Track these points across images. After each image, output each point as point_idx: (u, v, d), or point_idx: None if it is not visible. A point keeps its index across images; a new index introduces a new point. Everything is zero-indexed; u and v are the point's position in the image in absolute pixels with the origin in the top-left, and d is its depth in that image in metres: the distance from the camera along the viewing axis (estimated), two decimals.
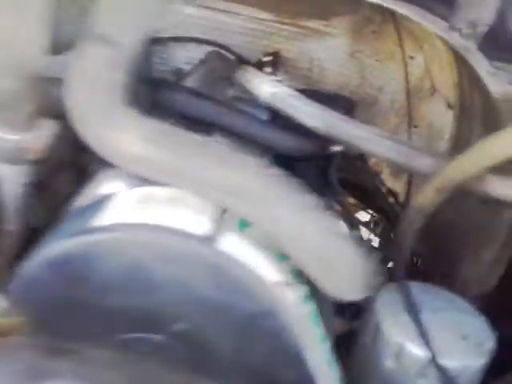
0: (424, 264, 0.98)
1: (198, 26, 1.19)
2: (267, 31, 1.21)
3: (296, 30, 1.20)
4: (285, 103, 0.57)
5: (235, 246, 0.35)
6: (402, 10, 0.53)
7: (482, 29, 0.49)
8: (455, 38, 0.51)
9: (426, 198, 0.49)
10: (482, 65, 0.51)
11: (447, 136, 0.91)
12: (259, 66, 1.11)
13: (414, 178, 1.09)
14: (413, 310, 0.55)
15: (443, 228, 0.90)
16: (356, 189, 1.43)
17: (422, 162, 0.49)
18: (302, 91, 0.88)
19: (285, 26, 1.18)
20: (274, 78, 0.61)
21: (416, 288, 0.62)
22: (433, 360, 0.51)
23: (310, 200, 0.33)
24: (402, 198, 1.15)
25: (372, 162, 1.32)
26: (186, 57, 1.22)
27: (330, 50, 1.24)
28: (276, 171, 0.33)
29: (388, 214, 1.17)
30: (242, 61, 1.13)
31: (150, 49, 1.08)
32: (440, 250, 0.91)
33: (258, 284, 0.35)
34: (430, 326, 0.55)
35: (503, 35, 0.53)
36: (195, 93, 0.61)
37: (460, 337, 0.55)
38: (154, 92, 0.57)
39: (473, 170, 0.44)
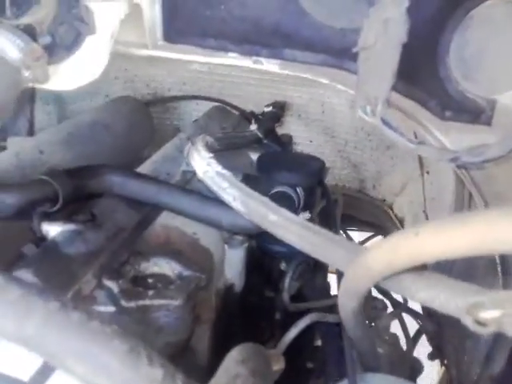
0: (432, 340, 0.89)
1: (204, 80, 1.21)
2: (273, 80, 1.20)
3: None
4: (213, 182, 0.55)
5: None
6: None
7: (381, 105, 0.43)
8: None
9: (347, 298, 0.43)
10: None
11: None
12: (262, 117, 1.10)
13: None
14: None
15: None
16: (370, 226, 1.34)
17: (336, 255, 0.43)
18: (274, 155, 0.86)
19: (289, 73, 1.16)
20: (211, 156, 0.59)
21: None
22: None
23: (118, 346, 0.30)
24: None
25: (396, 207, 1.24)
26: (195, 110, 1.25)
27: (340, 92, 1.19)
28: (77, 316, 0.30)
29: None
30: (243, 114, 1.12)
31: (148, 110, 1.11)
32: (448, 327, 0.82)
33: None
34: None
35: None
36: (132, 174, 0.61)
37: None
38: (88, 180, 0.58)
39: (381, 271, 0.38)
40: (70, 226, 0.56)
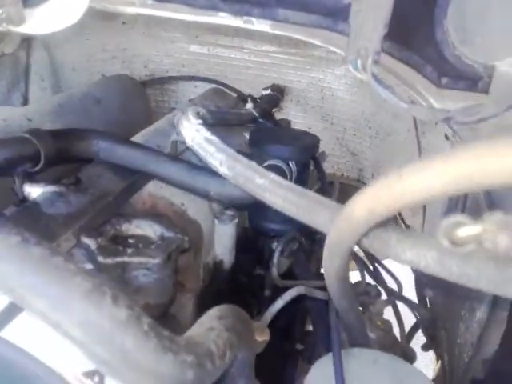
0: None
1: (203, 62, 1.19)
2: (273, 63, 1.18)
3: (302, 59, 1.15)
4: (201, 148, 0.53)
5: (27, 336, 0.31)
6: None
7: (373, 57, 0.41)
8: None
9: (329, 262, 0.41)
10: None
11: None
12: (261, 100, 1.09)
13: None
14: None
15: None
16: None
17: (323, 216, 0.41)
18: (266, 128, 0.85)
19: (289, 57, 1.14)
20: (200, 122, 0.57)
21: (361, 359, 0.53)
22: None
23: (79, 284, 0.28)
24: None
25: None
26: (193, 93, 1.23)
27: (340, 78, 1.17)
28: (38, 251, 0.29)
29: None
30: (241, 97, 1.11)
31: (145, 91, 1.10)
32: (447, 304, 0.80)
33: (51, 378, 0.31)
34: None
35: None
36: (119, 140, 0.59)
37: None
38: (73, 143, 0.56)
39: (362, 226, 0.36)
40: (53, 188, 0.54)
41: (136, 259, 0.43)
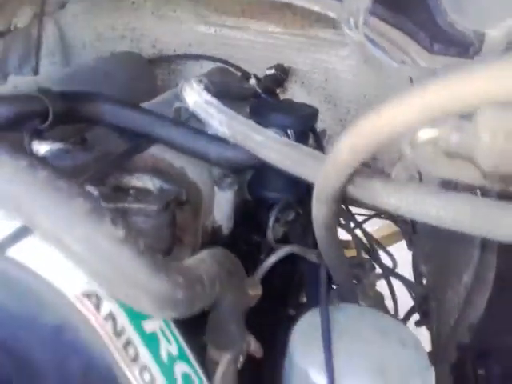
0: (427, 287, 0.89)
1: (209, 43, 1.22)
2: (278, 44, 1.20)
3: (306, 40, 1.17)
4: (202, 110, 0.56)
5: (31, 256, 0.34)
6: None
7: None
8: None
9: (318, 210, 0.44)
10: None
11: None
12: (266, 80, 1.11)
13: None
14: (325, 336, 0.49)
15: (444, 248, 0.82)
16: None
17: (313, 168, 0.43)
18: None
19: (295, 38, 1.16)
20: (202, 87, 0.60)
21: (348, 312, 0.56)
22: None
23: (81, 205, 0.31)
24: None
25: (393, 176, 1.24)
26: (199, 72, 1.25)
27: (344, 59, 1.19)
28: (44, 174, 0.31)
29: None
30: (245, 76, 1.13)
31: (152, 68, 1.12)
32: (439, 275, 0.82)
33: (53, 295, 0.34)
34: (345, 356, 0.48)
35: None
36: (125, 104, 0.62)
37: (377, 370, 0.48)
38: (81, 104, 0.59)
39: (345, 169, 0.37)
40: (60, 145, 0.57)
41: (135, 205, 0.46)
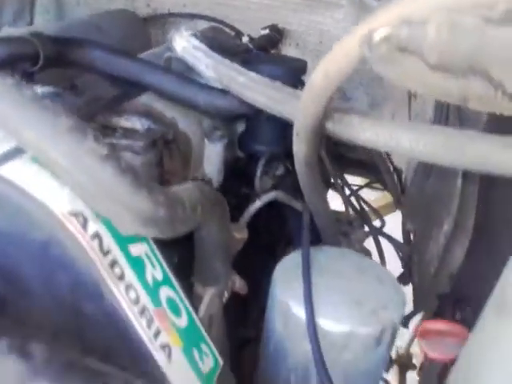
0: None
1: (204, 3, 1.21)
2: (273, 5, 1.20)
3: (302, 1, 1.16)
4: (190, 55, 0.57)
5: (20, 175, 0.36)
6: None
7: None
8: None
9: (299, 146, 0.45)
10: None
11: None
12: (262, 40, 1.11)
13: None
14: (305, 271, 0.52)
15: (428, 203, 0.84)
16: (357, 166, 1.36)
17: (295, 106, 0.44)
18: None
19: None
20: (190, 34, 0.60)
21: (329, 253, 0.58)
22: (312, 321, 0.47)
23: (65, 121, 0.33)
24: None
25: None
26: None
27: (339, 21, 1.19)
28: (30, 92, 0.33)
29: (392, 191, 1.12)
30: (239, 34, 1.13)
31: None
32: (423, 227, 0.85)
33: (41, 212, 0.36)
34: (324, 290, 0.51)
35: None
36: (115, 51, 0.62)
37: (354, 302, 0.50)
38: (72, 49, 0.60)
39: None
40: (50, 89, 0.58)
41: (123, 141, 0.47)
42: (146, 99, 0.65)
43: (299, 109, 0.41)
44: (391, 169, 1.14)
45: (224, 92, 0.63)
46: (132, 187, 0.33)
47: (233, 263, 0.59)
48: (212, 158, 0.75)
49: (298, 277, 0.52)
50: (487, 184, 0.63)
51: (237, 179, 0.84)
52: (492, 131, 0.37)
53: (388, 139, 0.40)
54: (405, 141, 0.39)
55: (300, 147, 0.44)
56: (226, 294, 0.56)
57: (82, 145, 0.32)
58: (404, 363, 1.33)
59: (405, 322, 0.92)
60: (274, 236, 0.81)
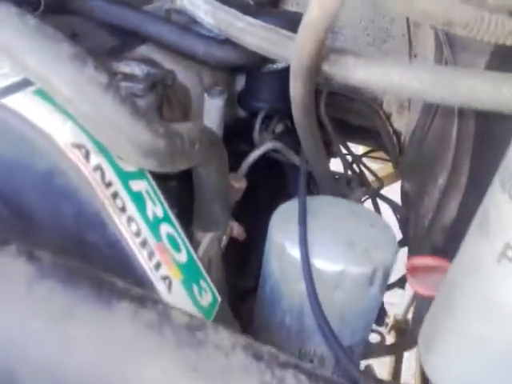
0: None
1: None
2: None
3: None
4: (189, 2, 0.57)
5: (25, 106, 0.37)
6: None
7: None
8: None
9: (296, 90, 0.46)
10: None
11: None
12: None
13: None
14: (301, 215, 0.53)
15: (424, 162, 0.85)
16: (359, 132, 1.36)
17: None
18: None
19: None
20: None
21: (325, 200, 0.60)
22: (307, 261, 0.49)
23: (66, 49, 0.33)
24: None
25: (385, 103, 1.25)
26: None
27: None
28: (33, 21, 0.34)
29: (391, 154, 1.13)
30: None
31: None
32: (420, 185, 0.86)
33: (45, 142, 0.37)
34: (318, 232, 0.52)
35: None
36: (115, 0, 0.62)
37: (347, 243, 0.52)
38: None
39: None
40: None
41: (123, 83, 0.48)
42: (145, 50, 0.66)
43: (295, 45, 0.42)
44: (391, 131, 1.15)
45: (222, 42, 0.63)
46: (132, 117, 0.35)
47: (234, 216, 0.61)
48: (211, 112, 0.76)
49: (294, 221, 0.54)
50: (481, 138, 0.64)
51: (236, 137, 0.85)
52: None
53: (381, 77, 0.41)
54: (396, 78, 0.40)
55: (296, 87, 0.45)
56: (225, 239, 0.58)
57: (83, 73, 0.33)
58: (401, 328, 1.36)
59: (401, 283, 0.94)
60: (273, 192, 0.82)
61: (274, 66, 0.73)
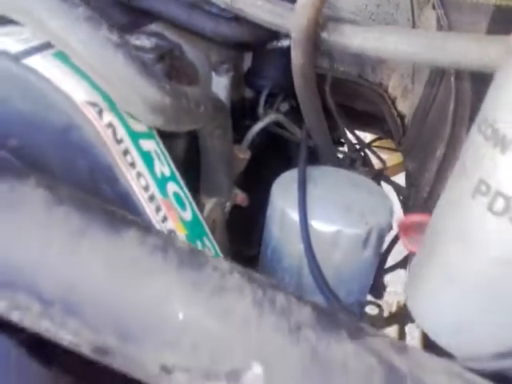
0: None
1: None
2: None
3: None
4: None
5: (44, 66, 0.40)
6: None
7: None
8: None
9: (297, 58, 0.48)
10: None
11: None
12: None
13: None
14: (300, 181, 0.56)
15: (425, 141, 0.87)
16: (364, 118, 1.38)
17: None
18: None
19: None
20: None
21: (325, 170, 0.62)
22: (305, 223, 0.52)
23: (82, 12, 0.37)
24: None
25: (390, 87, 1.27)
26: None
27: None
28: None
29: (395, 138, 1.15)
30: None
31: None
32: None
33: (62, 98, 0.40)
34: (318, 198, 0.55)
35: None
36: None
37: (344, 207, 0.54)
38: None
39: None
40: None
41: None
42: (154, 28, 0.69)
43: (294, 14, 0.44)
44: (395, 114, 1.17)
45: (229, 20, 0.66)
46: (141, 74, 0.38)
47: (240, 187, 0.64)
48: (218, 90, 0.79)
49: (294, 187, 0.57)
50: (478, 110, 0.66)
51: (243, 115, 0.88)
52: None
53: (377, 43, 0.43)
54: (391, 43, 0.43)
55: (297, 56, 0.48)
56: (228, 206, 0.61)
57: (97, 33, 0.36)
58: (405, 315, 1.38)
59: (404, 264, 0.97)
60: (277, 167, 0.85)
61: (279, 44, 0.76)
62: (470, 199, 0.33)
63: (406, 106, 1.12)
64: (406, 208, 1.01)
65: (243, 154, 0.64)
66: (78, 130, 0.41)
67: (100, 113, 0.42)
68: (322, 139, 0.61)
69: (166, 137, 0.49)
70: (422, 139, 0.88)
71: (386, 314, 0.91)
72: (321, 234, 0.53)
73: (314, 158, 0.75)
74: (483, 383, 0.29)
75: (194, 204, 0.52)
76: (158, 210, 0.46)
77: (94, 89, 0.42)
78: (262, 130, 0.78)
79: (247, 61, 0.88)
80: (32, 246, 0.28)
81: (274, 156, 0.87)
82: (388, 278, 0.87)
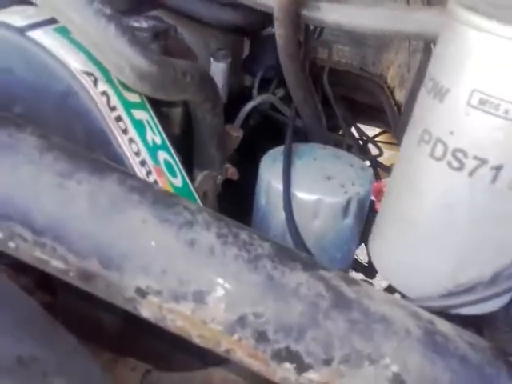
0: None
1: None
2: None
3: None
4: None
5: (45, 39, 0.44)
6: None
7: None
8: None
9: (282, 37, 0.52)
10: None
11: None
12: None
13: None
14: (286, 154, 0.59)
15: None
16: (364, 110, 1.41)
17: None
18: None
19: None
20: None
21: (311, 146, 0.66)
22: (288, 192, 0.56)
23: None
24: None
25: (388, 78, 1.30)
26: None
27: None
28: None
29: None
30: None
31: None
32: None
33: (61, 67, 0.44)
34: (301, 170, 0.59)
35: None
36: None
37: (325, 178, 0.58)
38: None
39: None
40: None
41: None
42: (155, 14, 0.73)
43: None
44: (393, 103, 1.19)
45: (224, 5, 0.70)
46: (130, 43, 0.42)
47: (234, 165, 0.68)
48: (216, 75, 0.83)
49: (281, 161, 0.60)
50: None
51: (241, 101, 0.92)
52: None
53: (351, 19, 0.47)
54: (365, 19, 0.46)
55: (280, 34, 0.51)
56: (220, 179, 0.64)
57: (91, 6, 0.40)
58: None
59: None
60: (270, 147, 0.89)
61: (274, 30, 0.79)
62: (416, 148, 0.36)
63: (402, 95, 1.14)
64: None
65: (236, 132, 0.67)
66: (75, 97, 0.45)
67: (95, 82, 0.46)
68: (309, 115, 0.65)
69: (164, 104, 0.54)
70: None
71: None
72: (302, 202, 0.56)
73: (306, 140, 0.78)
74: (425, 315, 0.32)
75: (184, 173, 0.55)
76: (148, 174, 0.50)
77: (90, 60, 0.46)
78: (257, 113, 0.82)
79: (246, 49, 0.92)
80: (25, 184, 0.32)
81: (268, 137, 0.90)
82: None
